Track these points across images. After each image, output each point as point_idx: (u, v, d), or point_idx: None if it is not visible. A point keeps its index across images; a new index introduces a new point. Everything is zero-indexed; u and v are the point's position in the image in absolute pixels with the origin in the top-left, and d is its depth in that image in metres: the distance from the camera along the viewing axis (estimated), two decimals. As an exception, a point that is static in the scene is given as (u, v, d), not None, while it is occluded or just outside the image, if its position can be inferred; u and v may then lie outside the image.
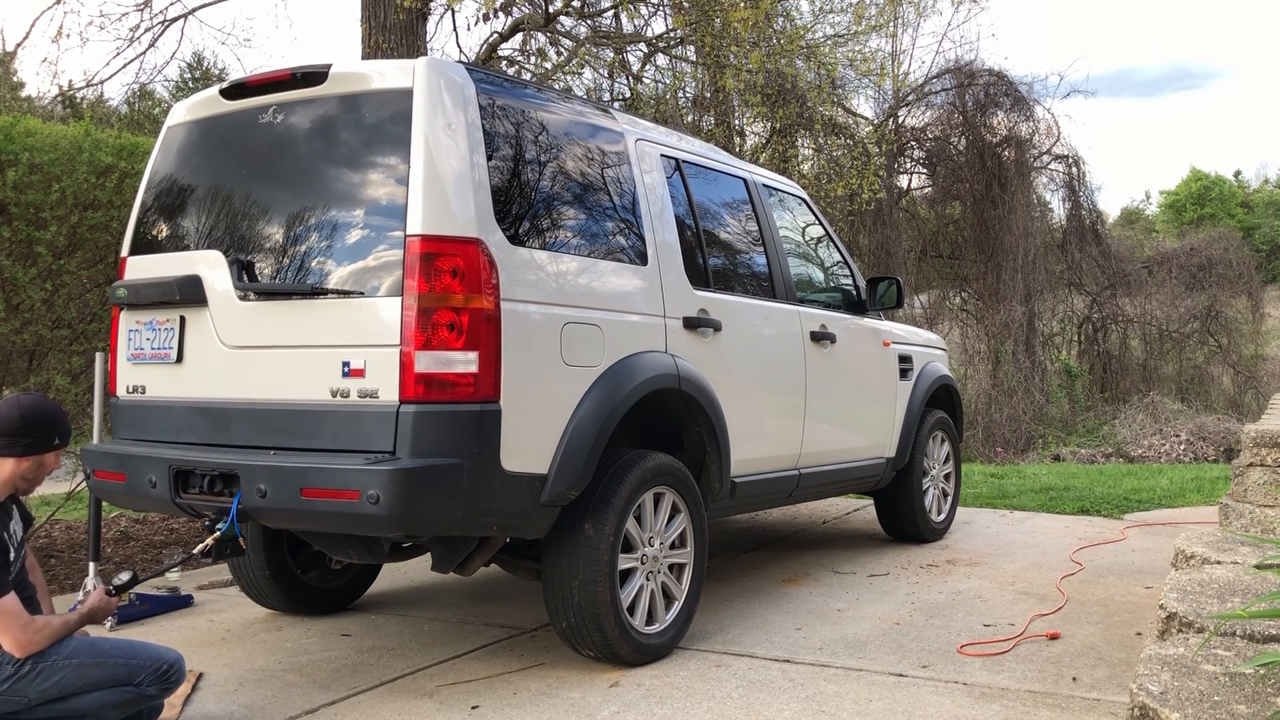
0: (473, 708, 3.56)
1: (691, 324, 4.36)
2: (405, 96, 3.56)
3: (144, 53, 10.14)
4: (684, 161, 4.75)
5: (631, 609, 3.93)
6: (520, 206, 3.76)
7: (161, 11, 10.60)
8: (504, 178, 3.70)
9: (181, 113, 4.26)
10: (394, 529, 3.51)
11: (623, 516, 3.85)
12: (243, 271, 3.72)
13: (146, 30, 9.85)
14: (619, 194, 4.23)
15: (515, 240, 3.64)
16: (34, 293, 5.52)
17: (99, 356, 4.79)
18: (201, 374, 3.85)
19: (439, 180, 3.46)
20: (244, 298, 3.72)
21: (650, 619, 4.05)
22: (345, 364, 3.46)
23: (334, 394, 3.48)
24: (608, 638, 3.81)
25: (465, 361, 3.37)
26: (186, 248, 3.98)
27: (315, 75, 3.76)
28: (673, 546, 4.19)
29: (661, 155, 4.59)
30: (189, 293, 3.83)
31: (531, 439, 3.57)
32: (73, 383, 5.82)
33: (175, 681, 3.07)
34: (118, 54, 10.41)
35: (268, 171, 3.86)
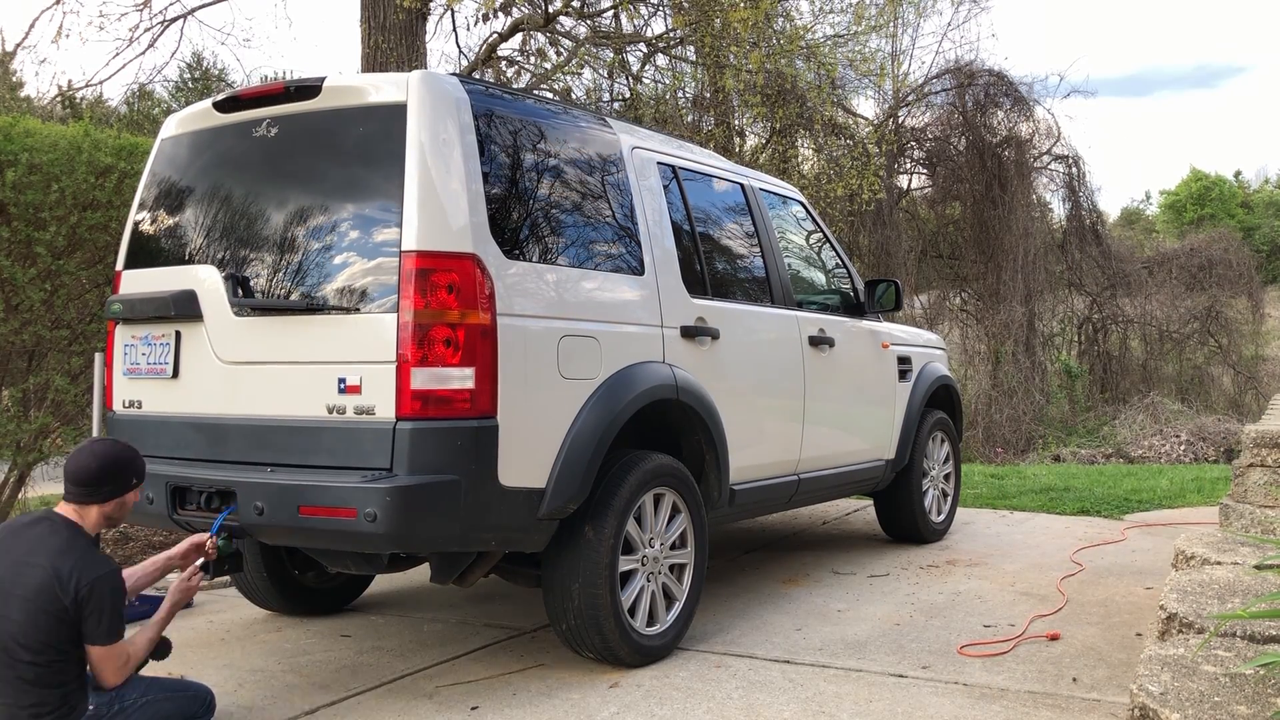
0: (472, 708, 3.56)
1: (689, 333, 4.35)
2: (399, 110, 3.53)
3: (143, 53, 10.19)
4: (680, 168, 4.73)
5: (632, 610, 3.93)
6: (516, 219, 3.75)
7: (161, 12, 10.63)
8: (499, 190, 3.69)
9: (174, 125, 4.25)
10: (391, 546, 3.51)
11: (623, 519, 3.85)
12: (238, 286, 3.70)
13: (146, 30, 9.88)
14: (615, 203, 4.22)
15: (511, 253, 3.62)
16: (33, 293, 5.52)
17: (98, 357, 4.79)
18: (198, 389, 3.84)
19: (434, 195, 3.45)
20: (239, 313, 3.70)
21: (651, 620, 4.04)
22: (341, 380, 3.45)
23: (330, 410, 3.47)
24: (608, 640, 3.81)
25: (462, 378, 3.36)
26: (181, 262, 3.97)
27: (309, 89, 3.74)
28: (673, 547, 4.19)
29: (658, 163, 4.57)
30: (184, 308, 3.82)
31: (529, 454, 3.56)
32: (72, 383, 5.82)
33: (213, 709, 3.35)
34: (117, 54, 10.45)
35: (262, 185, 3.84)
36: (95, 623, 2.96)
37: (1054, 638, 4.25)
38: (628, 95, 11.87)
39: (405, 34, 8.17)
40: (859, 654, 4.09)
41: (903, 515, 6.25)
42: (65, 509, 3.14)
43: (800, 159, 14.17)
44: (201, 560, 3.56)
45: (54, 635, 2.92)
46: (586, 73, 11.82)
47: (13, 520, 3.21)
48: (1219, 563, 3.97)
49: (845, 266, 6.00)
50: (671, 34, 10.74)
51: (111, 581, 3.00)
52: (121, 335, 4.15)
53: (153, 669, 3.31)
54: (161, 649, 3.29)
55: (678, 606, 4.19)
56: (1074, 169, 18.23)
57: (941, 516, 6.52)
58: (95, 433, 4.86)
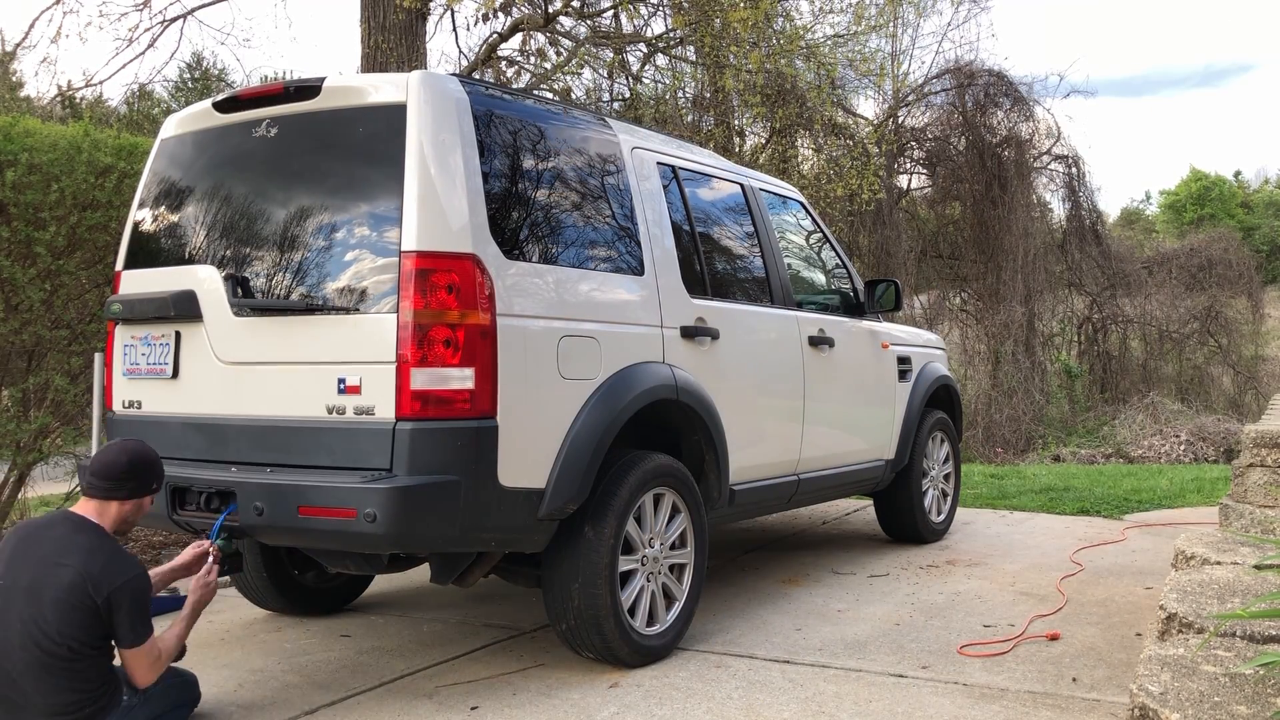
0: (472, 708, 3.56)
1: (689, 333, 4.34)
2: (399, 111, 3.53)
3: (143, 53, 10.20)
4: (680, 168, 4.73)
5: (632, 610, 3.93)
6: (516, 219, 3.75)
7: (161, 11, 10.64)
8: (499, 190, 3.69)
9: (174, 126, 4.25)
10: (391, 547, 3.51)
11: (623, 519, 3.84)
12: (238, 287, 3.70)
13: (146, 30, 9.89)
14: (615, 204, 4.21)
15: (511, 254, 3.62)
16: (33, 293, 5.52)
17: (98, 357, 4.78)
18: (197, 390, 3.84)
19: (433, 195, 3.45)
20: (239, 314, 3.70)
21: (651, 620, 4.04)
22: (341, 380, 3.45)
23: (330, 411, 3.47)
24: (608, 640, 3.81)
25: (461, 378, 3.36)
26: (181, 262, 3.97)
27: (309, 89, 3.74)
28: (673, 547, 4.19)
29: (658, 163, 4.57)
30: (184, 308, 3.82)
31: (528, 454, 3.56)
32: (72, 383, 5.82)
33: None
34: (117, 54, 10.46)
35: (262, 186, 3.84)
36: (126, 627, 3.03)
37: (1054, 638, 4.25)
38: (628, 95, 11.88)
39: (405, 34, 8.17)
40: (859, 654, 4.09)
41: (903, 515, 6.25)
42: (85, 508, 3.17)
43: (800, 159, 14.17)
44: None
45: (89, 632, 2.98)
46: (586, 73, 11.83)
47: (29, 521, 3.23)
48: (1219, 563, 3.97)
49: (845, 266, 6.00)
50: (671, 34, 10.74)
51: (139, 584, 3.06)
52: (121, 335, 4.15)
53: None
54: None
55: (677, 606, 4.19)
56: (1074, 169, 18.25)
57: (941, 516, 6.52)
58: (95, 433, 4.85)
